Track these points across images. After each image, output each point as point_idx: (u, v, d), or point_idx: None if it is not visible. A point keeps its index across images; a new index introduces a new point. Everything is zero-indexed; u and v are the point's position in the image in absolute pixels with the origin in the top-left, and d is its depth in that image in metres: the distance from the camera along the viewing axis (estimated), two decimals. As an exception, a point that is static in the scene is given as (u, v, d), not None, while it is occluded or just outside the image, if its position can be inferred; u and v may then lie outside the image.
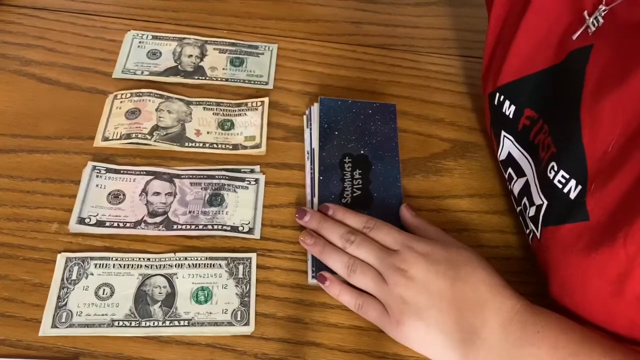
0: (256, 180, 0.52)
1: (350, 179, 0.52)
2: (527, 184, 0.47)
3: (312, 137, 0.55)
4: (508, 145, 0.50)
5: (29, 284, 0.45)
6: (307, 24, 0.67)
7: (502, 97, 0.50)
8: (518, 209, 0.49)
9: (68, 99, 0.57)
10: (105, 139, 0.53)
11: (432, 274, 0.42)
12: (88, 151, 0.53)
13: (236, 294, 0.46)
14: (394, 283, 0.43)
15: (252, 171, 0.53)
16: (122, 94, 0.57)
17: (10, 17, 0.63)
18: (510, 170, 0.50)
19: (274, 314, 0.45)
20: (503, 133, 0.51)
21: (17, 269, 0.46)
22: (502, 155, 0.52)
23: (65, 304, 0.44)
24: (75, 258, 0.46)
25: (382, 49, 0.65)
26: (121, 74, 0.59)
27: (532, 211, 0.45)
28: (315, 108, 0.56)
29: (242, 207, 0.50)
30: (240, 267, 0.47)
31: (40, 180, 0.51)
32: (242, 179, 0.52)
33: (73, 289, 0.44)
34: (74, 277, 0.45)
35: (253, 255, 0.48)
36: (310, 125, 0.56)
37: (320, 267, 0.46)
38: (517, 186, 0.49)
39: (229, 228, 0.49)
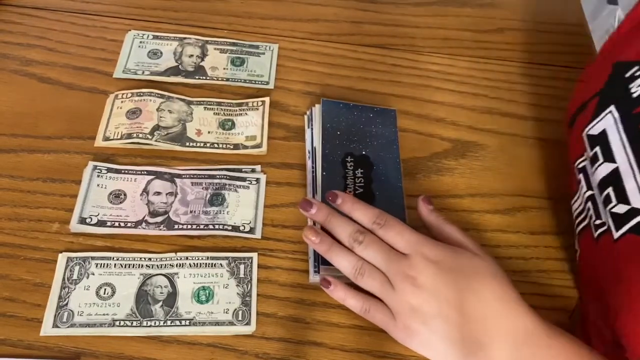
0: (257, 180, 0.52)
1: (352, 177, 0.52)
2: (617, 174, 0.42)
3: (313, 137, 0.55)
4: (608, 122, 0.44)
5: (30, 283, 0.45)
6: (307, 23, 0.67)
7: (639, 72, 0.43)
8: (588, 193, 0.45)
9: (69, 99, 0.57)
10: (106, 138, 0.53)
11: (441, 283, 0.41)
12: (89, 151, 0.53)
13: (237, 293, 0.46)
14: (402, 290, 0.41)
15: (253, 171, 0.53)
16: (122, 94, 0.57)
17: (10, 17, 0.63)
18: (597, 149, 0.44)
19: (275, 314, 0.45)
20: (611, 108, 0.44)
21: (18, 268, 0.46)
22: (594, 130, 0.46)
23: (67, 303, 0.44)
24: (76, 258, 0.46)
25: (382, 49, 0.65)
26: (122, 74, 0.59)
27: (621, 209, 0.41)
28: (317, 109, 0.56)
29: (243, 206, 0.50)
30: (242, 266, 0.47)
31: (41, 180, 0.51)
32: (243, 179, 0.52)
33: (74, 289, 0.44)
34: (75, 276, 0.45)
35: (254, 255, 0.48)
36: (312, 125, 0.56)
37: (322, 264, 0.46)
38: (600, 170, 0.44)
39: (230, 228, 0.49)
